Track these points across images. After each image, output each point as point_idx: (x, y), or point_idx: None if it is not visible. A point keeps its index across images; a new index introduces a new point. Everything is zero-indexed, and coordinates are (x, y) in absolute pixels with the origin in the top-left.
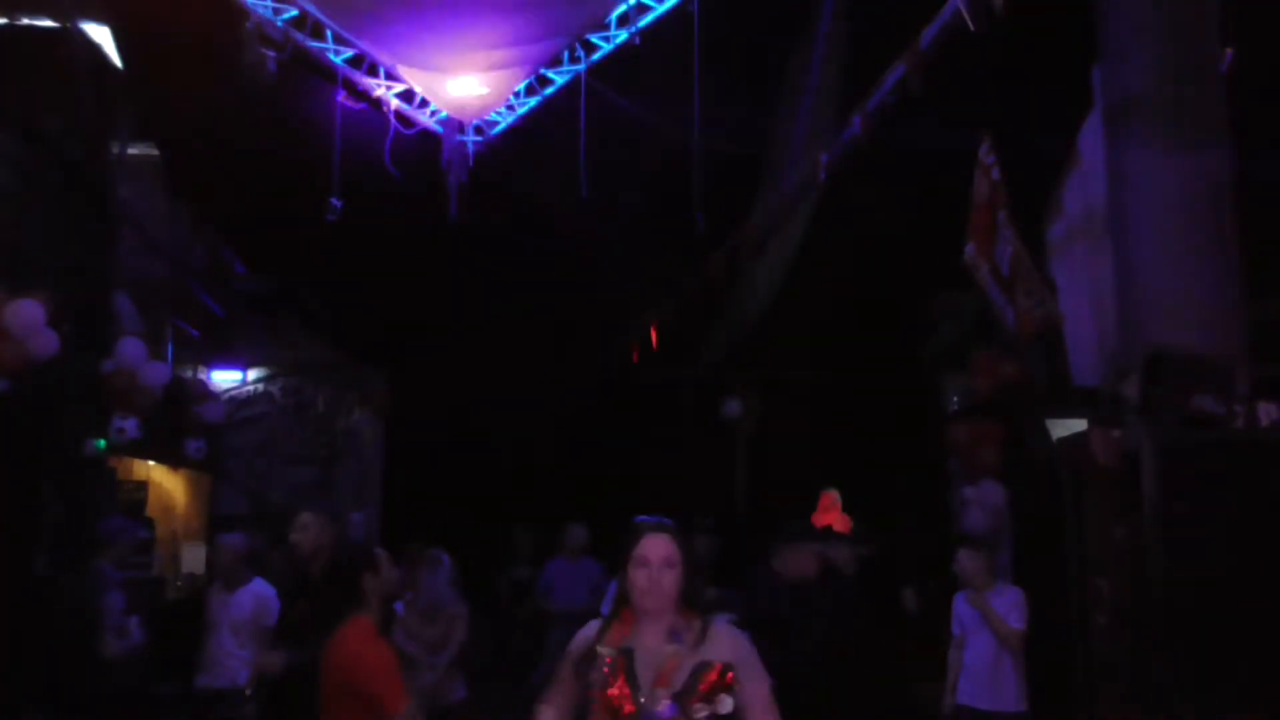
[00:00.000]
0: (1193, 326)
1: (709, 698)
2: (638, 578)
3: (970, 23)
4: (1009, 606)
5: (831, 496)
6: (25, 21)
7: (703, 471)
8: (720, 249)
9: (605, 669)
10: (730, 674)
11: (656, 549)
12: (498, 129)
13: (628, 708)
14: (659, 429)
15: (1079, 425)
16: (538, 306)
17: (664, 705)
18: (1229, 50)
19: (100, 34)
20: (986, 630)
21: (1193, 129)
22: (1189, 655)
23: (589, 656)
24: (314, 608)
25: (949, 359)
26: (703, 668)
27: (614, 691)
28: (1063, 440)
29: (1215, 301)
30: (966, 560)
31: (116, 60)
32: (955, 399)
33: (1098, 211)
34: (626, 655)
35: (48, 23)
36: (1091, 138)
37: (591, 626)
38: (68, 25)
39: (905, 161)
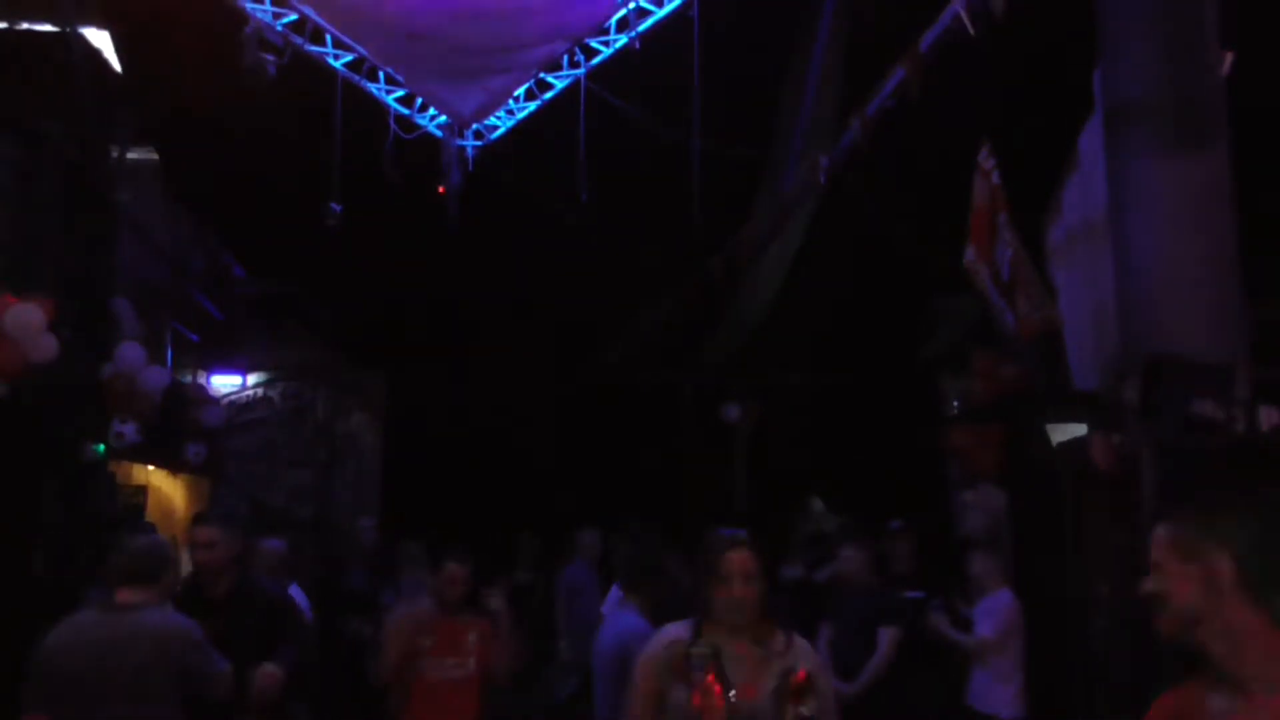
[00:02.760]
0: (1193, 330)
1: (800, 697)
2: (722, 593)
3: (970, 26)
4: (995, 612)
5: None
6: (25, 26)
7: (702, 474)
8: (720, 252)
9: (698, 668)
10: (811, 682)
11: (739, 563)
12: (497, 133)
13: (718, 704)
14: (658, 432)
15: (1079, 429)
16: (537, 310)
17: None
18: (1229, 53)
19: (99, 38)
20: (980, 631)
21: (1193, 132)
22: (1188, 659)
23: (681, 658)
24: (227, 627)
25: (949, 362)
26: (790, 672)
27: (704, 687)
28: (1062, 444)
29: (1215, 305)
30: (979, 563)
31: (116, 64)
32: (955, 403)
33: (1098, 215)
34: (716, 654)
35: (47, 27)
36: (1091, 141)
37: (669, 633)
38: (67, 29)
39: (905, 165)
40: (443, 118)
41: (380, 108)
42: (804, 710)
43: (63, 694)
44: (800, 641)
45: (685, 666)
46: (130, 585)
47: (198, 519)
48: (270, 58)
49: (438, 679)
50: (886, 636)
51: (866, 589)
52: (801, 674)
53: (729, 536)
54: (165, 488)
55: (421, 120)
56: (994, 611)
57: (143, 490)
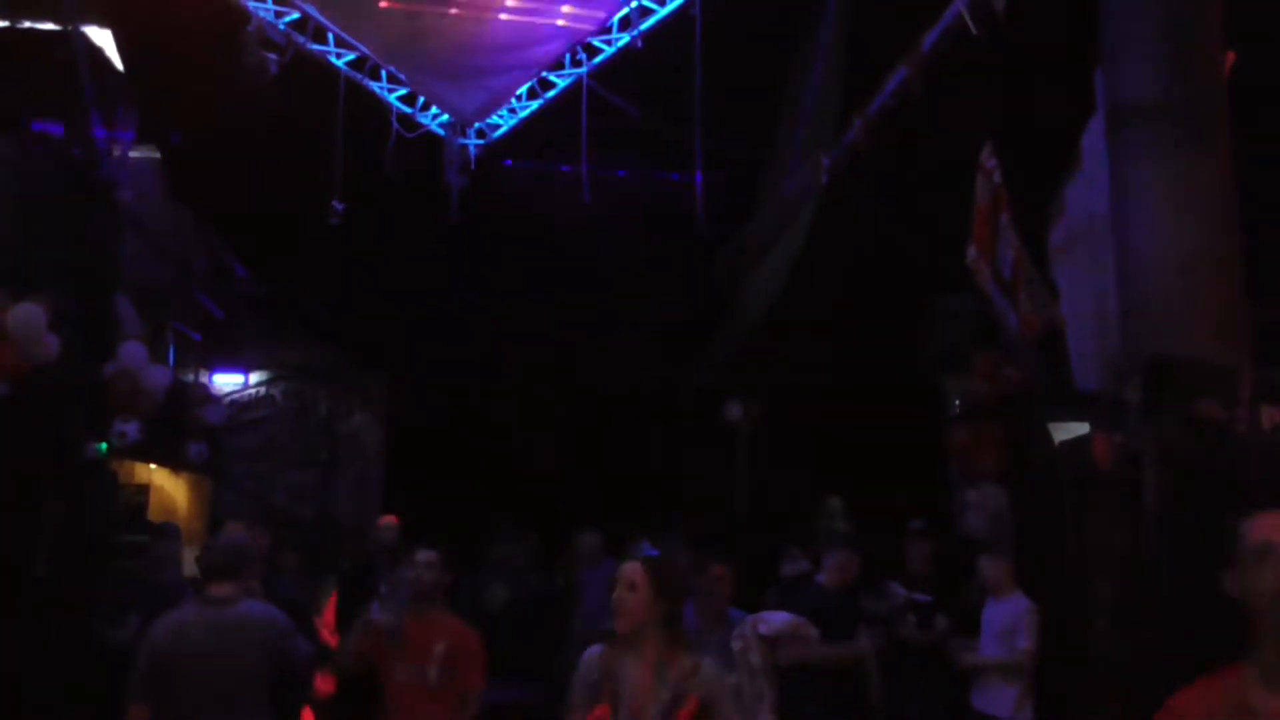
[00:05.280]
0: (1195, 330)
1: None
2: (613, 599)
3: (972, 26)
4: (1013, 619)
5: None
6: (26, 24)
7: (703, 474)
8: (722, 252)
9: (594, 687)
10: (704, 713)
11: (624, 573)
12: (499, 132)
13: None
14: (659, 432)
15: (1081, 429)
16: (539, 309)
17: None
18: (1231, 53)
19: (101, 36)
20: (990, 636)
21: (1195, 132)
22: (1191, 660)
23: (589, 681)
24: None
25: (950, 362)
26: (679, 701)
27: (597, 714)
28: (1064, 444)
29: (1218, 305)
30: (988, 567)
31: (118, 63)
32: (956, 402)
33: (1100, 214)
34: (614, 681)
35: (49, 25)
36: (1094, 141)
37: (593, 651)
38: (69, 28)
39: (907, 164)
40: (445, 116)
41: (382, 106)
42: None
43: (167, 683)
44: (709, 667)
45: (588, 685)
46: (220, 580)
47: (228, 519)
48: (272, 56)
49: (400, 682)
50: (867, 636)
51: (846, 589)
52: (691, 705)
53: (637, 550)
54: (167, 486)
55: (424, 119)
56: (1018, 618)
57: (145, 489)
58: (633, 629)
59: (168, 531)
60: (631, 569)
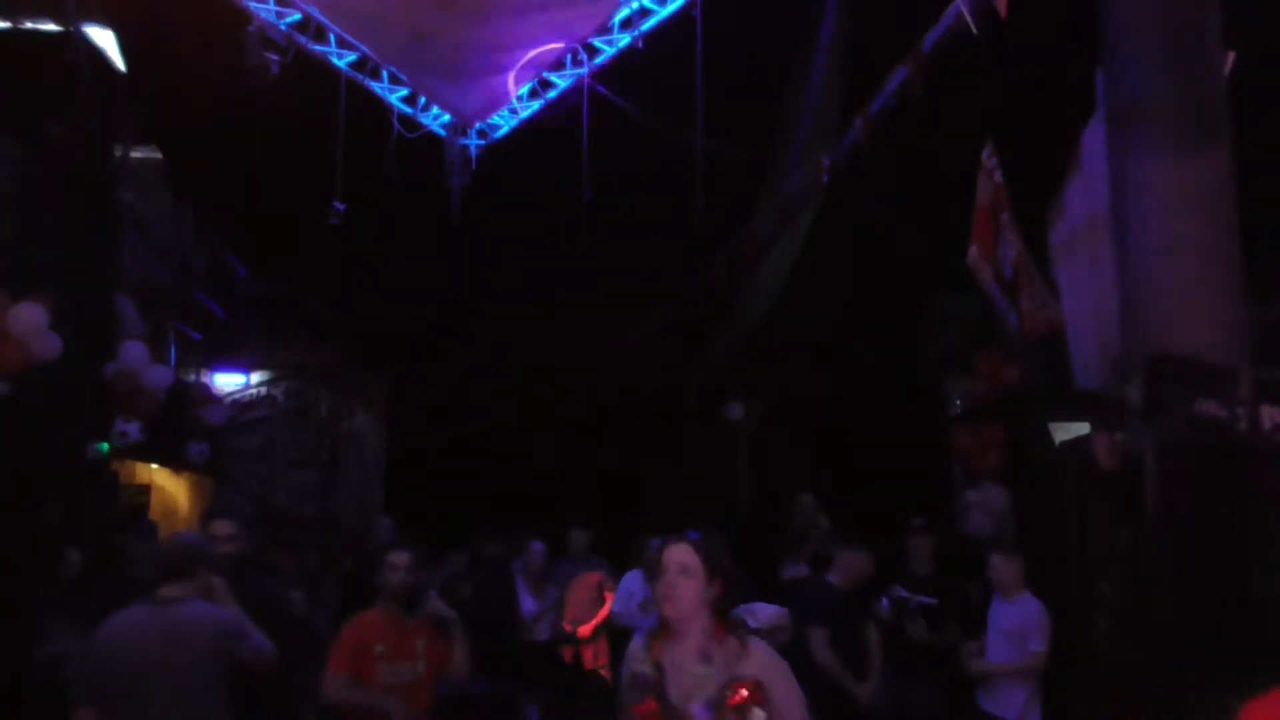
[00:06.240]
0: (1196, 329)
1: (740, 710)
2: (658, 586)
3: (973, 26)
4: (1024, 620)
5: None
6: (28, 25)
7: (704, 474)
8: (722, 252)
9: (641, 689)
10: (760, 692)
11: (674, 556)
12: (500, 132)
13: None
14: (660, 431)
15: (1081, 428)
16: (540, 309)
17: (697, 708)
18: (1231, 53)
19: (103, 37)
20: (999, 637)
21: (1195, 132)
22: (1192, 659)
23: (633, 675)
24: None
25: (951, 362)
26: (734, 682)
27: (644, 709)
28: (1065, 443)
29: (1218, 304)
30: (1000, 566)
31: (119, 63)
32: (957, 402)
33: (1100, 214)
34: (660, 673)
35: (50, 26)
36: (1094, 141)
37: (637, 641)
38: (70, 29)
39: (908, 165)
40: (446, 117)
41: (384, 107)
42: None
43: (114, 686)
44: (759, 647)
45: (634, 686)
46: (172, 581)
47: (209, 515)
48: (273, 57)
49: (391, 683)
50: (874, 634)
51: (856, 590)
52: (745, 686)
53: (676, 537)
54: (169, 487)
55: (425, 119)
56: (1029, 620)
57: (146, 489)
58: (684, 615)
59: (145, 530)
60: (682, 552)
